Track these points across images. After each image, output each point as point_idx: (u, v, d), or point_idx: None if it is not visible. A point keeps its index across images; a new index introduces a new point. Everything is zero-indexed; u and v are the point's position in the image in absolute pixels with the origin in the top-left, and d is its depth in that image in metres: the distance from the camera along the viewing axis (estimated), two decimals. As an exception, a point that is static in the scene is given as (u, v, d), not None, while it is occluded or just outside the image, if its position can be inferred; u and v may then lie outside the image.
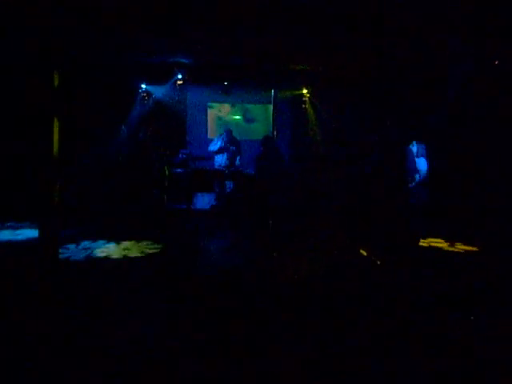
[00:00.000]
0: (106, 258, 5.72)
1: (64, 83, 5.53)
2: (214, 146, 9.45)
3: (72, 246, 6.22)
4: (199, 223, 8.30)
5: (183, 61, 9.24)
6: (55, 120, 5.01)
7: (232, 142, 9.37)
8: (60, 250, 5.74)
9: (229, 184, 9.44)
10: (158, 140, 9.73)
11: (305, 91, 10.28)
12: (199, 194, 9.55)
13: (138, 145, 9.74)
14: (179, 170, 9.42)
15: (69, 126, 7.18)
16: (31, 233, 6.80)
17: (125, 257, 5.87)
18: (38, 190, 5.21)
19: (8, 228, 7.35)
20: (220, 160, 9.42)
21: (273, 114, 10.68)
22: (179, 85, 9.74)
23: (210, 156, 9.63)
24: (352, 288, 4.75)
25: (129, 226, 7.87)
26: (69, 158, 7.24)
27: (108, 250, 6.18)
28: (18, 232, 7.04)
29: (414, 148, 7.65)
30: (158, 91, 10.01)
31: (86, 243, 6.48)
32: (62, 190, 5.54)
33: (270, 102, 10.67)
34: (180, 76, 9.57)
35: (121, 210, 8.49)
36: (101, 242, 6.63)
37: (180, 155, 9.58)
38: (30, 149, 6.22)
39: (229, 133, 9.42)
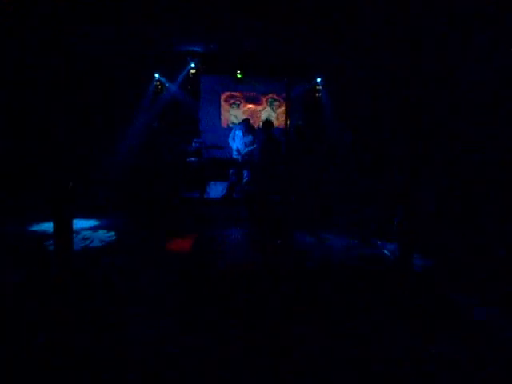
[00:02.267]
0: (103, 249, 5.82)
1: (76, 72, 5.61)
2: (233, 135, 9.47)
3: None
4: (211, 213, 8.41)
5: (196, 49, 9.26)
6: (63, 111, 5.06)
7: (250, 132, 9.33)
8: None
9: (245, 173, 9.43)
10: (171, 129, 9.83)
11: (318, 79, 10.19)
12: (212, 183, 9.62)
13: (153, 133, 9.87)
14: (193, 158, 9.50)
15: (81, 114, 7.35)
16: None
17: (122, 247, 5.98)
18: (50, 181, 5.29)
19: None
20: (237, 147, 9.38)
21: (286, 103, 10.65)
22: (192, 74, 9.76)
23: (224, 145, 9.65)
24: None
25: (138, 215, 8.06)
26: (81, 148, 7.39)
27: (107, 239, 6.26)
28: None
29: None
30: (172, 81, 10.06)
31: (86, 233, 6.56)
32: (75, 179, 5.63)
33: (283, 91, 10.62)
34: (193, 65, 9.60)
35: (133, 198, 8.66)
36: (101, 231, 6.74)
37: (193, 144, 9.66)
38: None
39: (246, 122, 9.38)
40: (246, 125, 9.27)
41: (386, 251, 6.15)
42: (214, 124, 10.51)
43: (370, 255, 6.00)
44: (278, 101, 10.89)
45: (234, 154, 9.40)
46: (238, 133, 9.36)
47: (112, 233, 6.66)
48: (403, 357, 3.16)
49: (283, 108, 10.78)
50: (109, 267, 5.06)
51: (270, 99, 10.88)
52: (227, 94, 10.74)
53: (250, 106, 10.86)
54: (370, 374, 2.94)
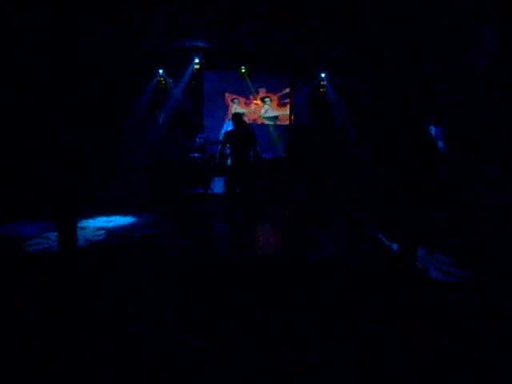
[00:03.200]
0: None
1: (77, 70, 5.60)
2: (223, 132, 9.37)
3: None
4: (214, 208, 8.47)
5: (200, 45, 9.23)
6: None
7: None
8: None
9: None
10: (176, 125, 9.84)
11: (322, 75, 10.15)
12: (216, 179, 9.62)
13: (157, 130, 9.91)
14: (196, 154, 9.53)
15: (85, 110, 7.38)
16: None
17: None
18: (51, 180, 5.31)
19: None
20: None
21: (290, 98, 10.64)
22: (196, 69, 9.75)
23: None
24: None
25: (139, 210, 8.22)
26: (83, 146, 7.44)
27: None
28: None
29: (432, 130, 7.49)
30: (176, 76, 10.05)
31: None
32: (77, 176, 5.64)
33: (287, 86, 10.62)
34: (197, 60, 9.58)
35: (137, 193, 8.77)
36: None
37: (197, 140, 9.67)
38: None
39: (235, 117, 9.03)
40: (233, 119, 8.87)
41: (393, 247, 6.15)
42: (218, 119, 10.48)
43: (374, 251, 5.98)
44: (279, 98, 10.83)
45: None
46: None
47: (102, 231, 6.62)
48: (403, 356, 3.17)
49: (285, 105, 10.77)
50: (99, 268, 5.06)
51: (270, 96, 10.82)
52: (230, 89, 10.71)
53: (252, 102, 10.82)
54: (370, 374, 2.95)
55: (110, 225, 7.15)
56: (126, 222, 7.37)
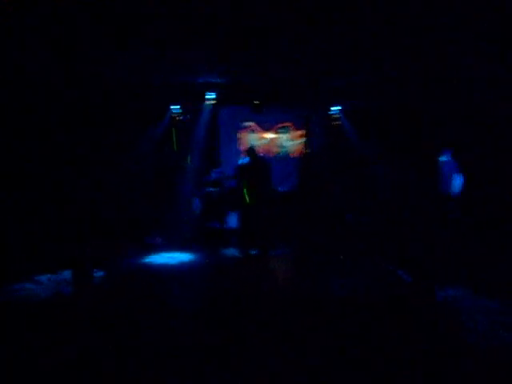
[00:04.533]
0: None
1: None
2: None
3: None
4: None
5: (214, 81, 9.29)
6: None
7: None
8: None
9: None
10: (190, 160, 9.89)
11: (337, 108, 10.18)
12: (232, 213, 9.53)
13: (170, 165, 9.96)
14: (212, 189, 9.49)
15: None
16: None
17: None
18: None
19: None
20: None
21: (306, 132, 10.66)
22: (210, 105, 9.79)
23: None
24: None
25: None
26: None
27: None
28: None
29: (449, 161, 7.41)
30: (190, 112, 10.07)
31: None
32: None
33: (302, 120, 10.64)
34: (211, 96, 9.62)
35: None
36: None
37: (212, 175, 9.65)
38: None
39: (249, 151, 8.64)
40: (248, 153, 8.67)
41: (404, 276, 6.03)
42: (233, 154, 10.44)
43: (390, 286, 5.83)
44: (294, 130, 10.83)
45: None
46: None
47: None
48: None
49: (299, 135, 10.77)
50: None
51: (285, 126, 10.82)
52: (244, 124, 10.70)
53: (266, 134, 10.80)
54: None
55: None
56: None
